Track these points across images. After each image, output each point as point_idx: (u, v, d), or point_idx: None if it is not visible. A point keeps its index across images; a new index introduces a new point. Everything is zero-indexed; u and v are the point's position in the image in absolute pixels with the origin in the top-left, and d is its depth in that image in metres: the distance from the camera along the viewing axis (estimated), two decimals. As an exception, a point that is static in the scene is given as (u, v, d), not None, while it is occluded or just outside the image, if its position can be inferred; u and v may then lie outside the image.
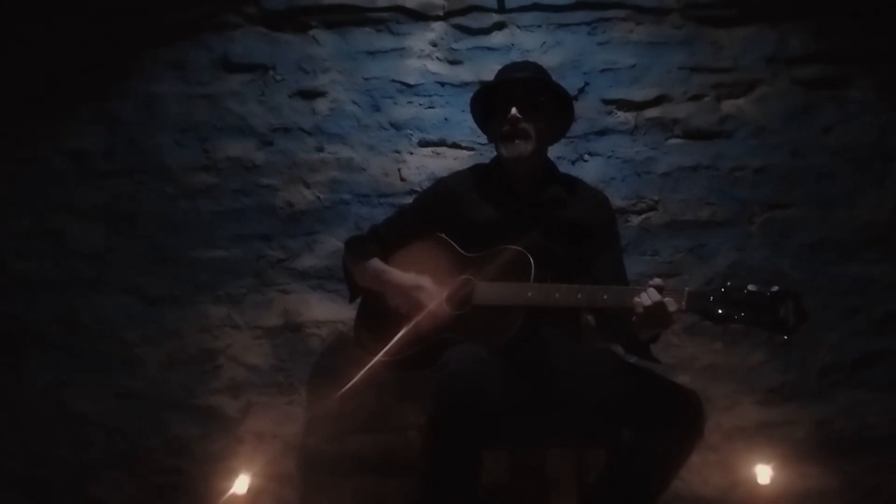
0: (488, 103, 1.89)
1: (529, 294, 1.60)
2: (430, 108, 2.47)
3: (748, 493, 2.11)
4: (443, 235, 1.84)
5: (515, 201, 1.83)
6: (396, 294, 1.77)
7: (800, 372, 2.24)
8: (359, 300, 1.96)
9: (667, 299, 1.45)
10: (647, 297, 1.45)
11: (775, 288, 1.37)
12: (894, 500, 2.14)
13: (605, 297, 1.55)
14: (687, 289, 1.46)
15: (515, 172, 1.85)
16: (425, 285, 1.72)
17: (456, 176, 1.99)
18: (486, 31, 2.51)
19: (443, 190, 1.96)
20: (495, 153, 1.91)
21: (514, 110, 1.78)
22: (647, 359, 1.69)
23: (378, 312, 1.83)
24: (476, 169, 1.99)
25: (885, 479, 2.16)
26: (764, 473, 2.07)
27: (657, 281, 1.48)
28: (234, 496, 2.08)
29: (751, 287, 1.39)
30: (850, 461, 2.17)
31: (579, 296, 1.57)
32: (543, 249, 1.71)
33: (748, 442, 2.19)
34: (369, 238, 1.94)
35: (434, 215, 1.90)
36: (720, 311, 1.39)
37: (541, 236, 1.76)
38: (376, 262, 1.85)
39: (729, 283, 1.41)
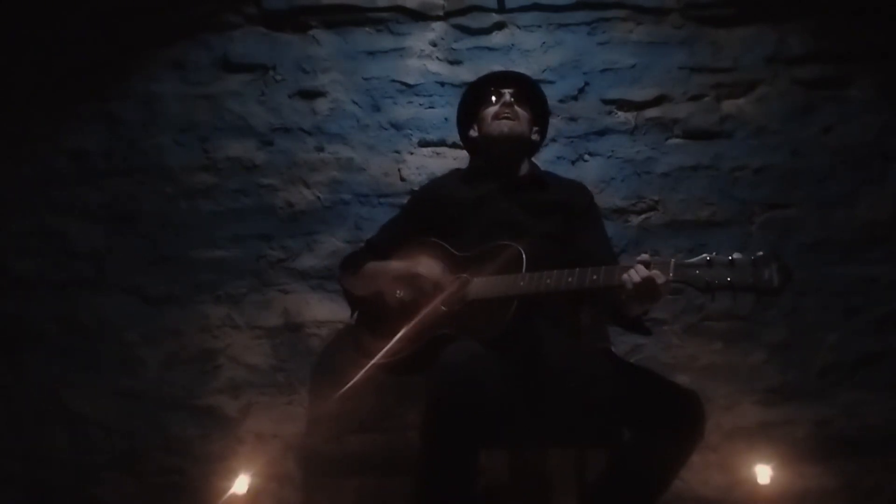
0: (470, 110, 2.01)
1: (521, 283, 1.62)
2: (430, 108, 2.47)
3: (748, 493, 2.11)
4: (434, 239, 1.86)
5: (497, 182, 1.91)
6: (395, 282, 1.77)
7: (800, 372, 2.24)
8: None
9: (654, 272, 1.46)
10: (636, 273, 1.47)
11: (759, 252, 1.40)
12: (894, 500, 2.14)
13: (596, 277, 1.56)
14: (673, 260, 1.48)
15: (498, 151, 1.93)
16: (422, 265, 1.74)
17: (440, 177, 2.12)
18: (486, 31, 2.51)
19: (428, 187, 2.07)
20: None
21: (507, 94, 1.92)
22: (640, 332, 1.71)
23: (376, 316, 1.82)
24: (458, 169, 2.10)
25: (885, 479, 2.15)
26: (764, 473, 2.07)
27: (644, 256, 1.50)
28: (234, 496, 2.08)
29: (735, 254, 1.42)
30: (850, 461, 2.17)
31: (570, 279, 1.58)
32: (530, 228, 1.77)
33: (748, 442, 2.19)
34: (363, 252, 1.98)
35: (423, 213, 1.95)
36: (706, 279, 1.42)
37: (526, 214, 1.83)
38: (372, 264, 1.88)
39: (714, 253, 1.44)
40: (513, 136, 1.89)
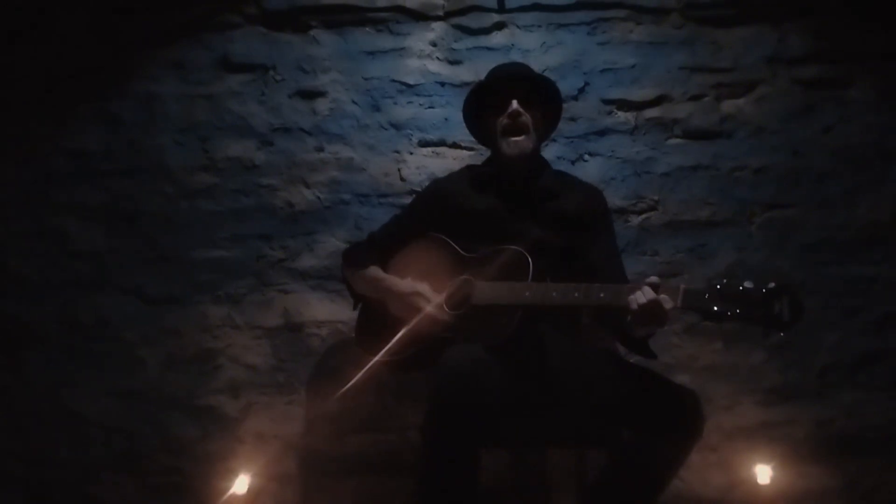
0: (480, 105, 1.92)
1: (527, 293, 1.61)
2: (430, 108, 2.47)
3: (748, 493, 2.11)
4: (441, 236, 1.84)
5: (509, 192, 1.85)
6: (395, 301, 1.77)
7: (800, 372, 2.24)
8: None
9: (662, 296, 1.45)
10: (643, 295, 1.45)
11: (771, 284, 1.37)
12: (894, 500, 2.14)
13: (602, 294, 1.55)
14: (682, 286, 1.46)
15: (510, 166, 1.86)
16: (423, 291, 1.72)
17: (449, 176, 2.02)
18: (486, 31, 2.51)
19: (436, 190, 1.98)
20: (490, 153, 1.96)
21: (514, 103, 1.81)
22: (644, 354, 1.69)
23: (379, 314, 1.83)
24: (469, 168, 2.01)
25: (885, 479, 2.16)
26: (764, 473, 2.07)
27: (653, 279, 1.48)
28: (234, 496, 2.08)
29: (746, 284, 1.38)
30: (850, 461, 2.17)
31: (576, 294, 1.57)
32: (539, 240, 1.73)
33: (748, 442, 2.19)
34: (366, 246, 1.94)
35: (429, 216, 1.91)
36: (715, 309, 1.39)
37: (536, 226, 1.78)
38: (374, 271, 1.85)
39: (725, 280, 1.41)
40: (522, 156, 1.82)
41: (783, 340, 2.25)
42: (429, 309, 1.68)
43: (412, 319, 1.70)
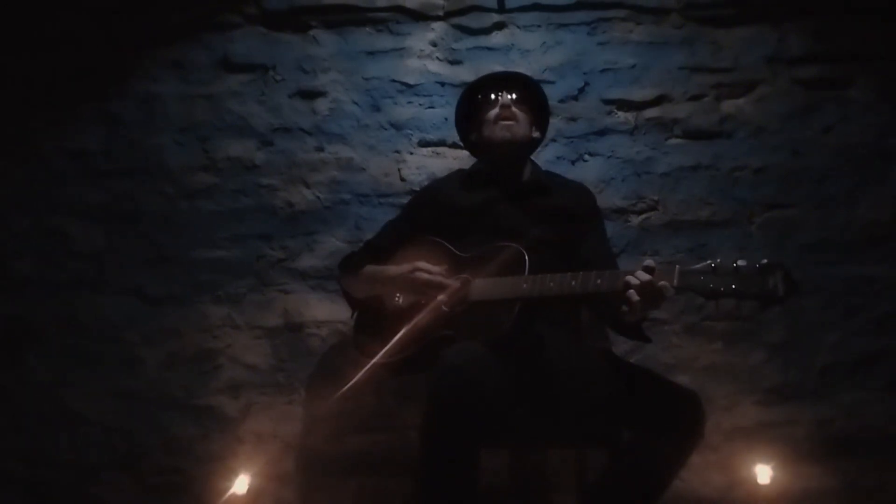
0: (471, 111, 1.99)
1: (524, 286, 1.61)
2: (430, 108, 2.47)
3: (748, 493, 2.11)
4: (435, 238, 1.85)
5: (501, 189, 1.89)
6: (397, 284, 1.77)
7: (800, 372, 2.24)
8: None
9: (657, 277, 1.45)
10: (639, 277, 1.46)
11: (764, 260, 1.39)
12: (894, 500, 2.14)
13: (599, 281, 1.56)
14: (677, 266, 1.47)
15: (501, 158, 1.91)
16: (420, 268, 1.73)
17: (441, 179, 2.09)
18: (486, 31, 2.51)
19: (429, 191, 2.03)
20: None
21: (504, 95, 1.91)
22: (639, 338, 1.69)
23: (376, 315, 1.83)
24: (461, 171, 2.07)
25: (885, 479, 2.15)
26: (764, 473, 2.07)
27: (649, 261, 1.49)
28: (234, 496, 2.08)
29: (740, 262, 1.40)
30: (850, 461, 2.17)
31: (573, 283, 1.58)
32: (533, 237, 1.75)
33: (748, 442, 2.19)
34: (361, 253, 1.97)
35: (423, 217, 1.93)
36: (710, 286, 1.40)
37: (529, 223, 1.81)
38: (370, 268, 1.86)
39: (719, 260, 1.43)
40: (514, 140, 1.88)
41: (783, 340, 2.25)
42: (428, 308, 1.68)
43: (416, 298, 1.71)
